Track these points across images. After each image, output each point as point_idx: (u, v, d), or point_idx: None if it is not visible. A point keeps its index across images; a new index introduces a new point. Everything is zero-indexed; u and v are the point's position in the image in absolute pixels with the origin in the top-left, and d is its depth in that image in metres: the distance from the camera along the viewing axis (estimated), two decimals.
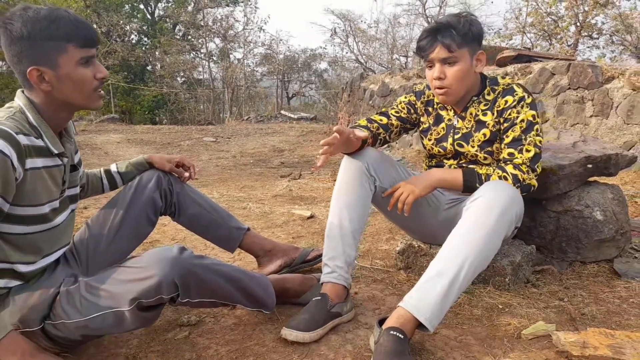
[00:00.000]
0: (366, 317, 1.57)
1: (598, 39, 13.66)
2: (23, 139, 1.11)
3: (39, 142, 1.17)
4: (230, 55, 18.50)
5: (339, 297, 1.51)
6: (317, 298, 1.48)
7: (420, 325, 1.29)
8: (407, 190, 1.57)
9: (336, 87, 16.27)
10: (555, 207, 1.93)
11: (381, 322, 1.33)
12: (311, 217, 2.90)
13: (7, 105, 1.20)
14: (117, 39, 17.19)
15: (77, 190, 1.39)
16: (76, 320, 1.18)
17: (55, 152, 1.21)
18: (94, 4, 16.91)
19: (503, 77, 1.69)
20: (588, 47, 14.11)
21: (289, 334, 1.37)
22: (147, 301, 1.16)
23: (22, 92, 1.20)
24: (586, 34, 13.37)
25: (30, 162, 1.14)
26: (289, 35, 44.21)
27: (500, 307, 1.61)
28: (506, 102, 1.61)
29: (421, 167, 4.89)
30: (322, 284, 1.56)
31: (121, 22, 16.94)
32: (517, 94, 1.60)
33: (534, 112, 1.58)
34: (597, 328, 1.40)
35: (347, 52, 20.23)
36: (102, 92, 1.25)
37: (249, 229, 1.80)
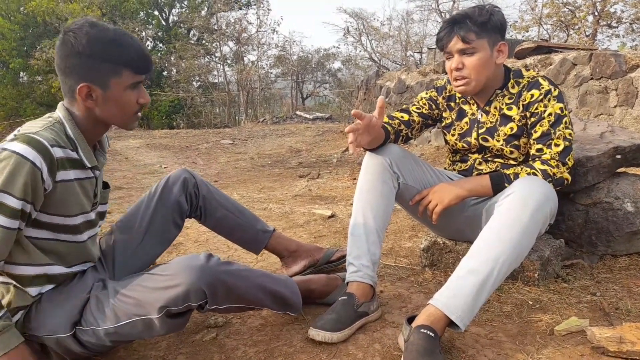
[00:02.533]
0: (393, 315, 1.55)
1: (617, 27, 13.36)
2: (58, 152, 1.13)
3: (74, 155, 1.19)
4: (244, 58, 18.60)
5: (365, 296, 1.50)
6: (344, 297, 1.47)
7: (450, 324, 1.27)
8: (436, 200, 1.57)
9: (350, 86, 16.21)
10: (584, 199, 1.88)
11: (410, 320, 1.31)
12: (332, 216, 2.89)
13: (47, 115, 1.22)
14: None
15: (107, 207, 1.40)
16: (106, 327, 1.19)
17: (89, 165, 1.23)
18: (110, 12, 17.18)
19: (527, 70, 1.66)
20: (607, 37, 13.80)
21: (317, 334, 1.36)
22: (175, 309, 1.16)
23: (63, 104, 1.22)
24: (605, 23, 13.08)
25: (63, 174, 1.15)
26: (302, 36, 44.26)
27: (530, 303, 1.58)
28: (532, 95, 1.58)
29: (441, 163, 4.85)
30: (347, 283, 1.55)
31: (137, 29, 17.13)
32: (543, 87, 1.57)
33: (561, 105, 1.55)
34: (633, 323, 1.36)
35: (360, 51, 20.19)
36: (139, 114, 1.27)
37: (274, 231, 1.80)
